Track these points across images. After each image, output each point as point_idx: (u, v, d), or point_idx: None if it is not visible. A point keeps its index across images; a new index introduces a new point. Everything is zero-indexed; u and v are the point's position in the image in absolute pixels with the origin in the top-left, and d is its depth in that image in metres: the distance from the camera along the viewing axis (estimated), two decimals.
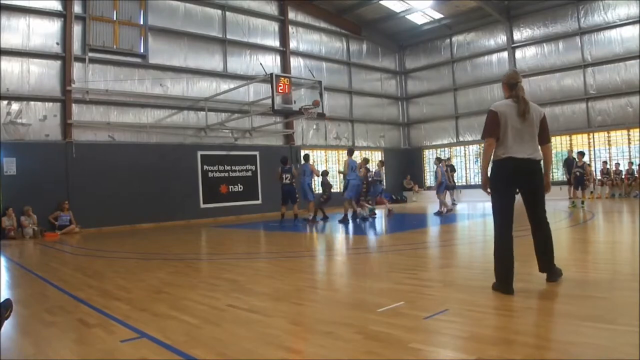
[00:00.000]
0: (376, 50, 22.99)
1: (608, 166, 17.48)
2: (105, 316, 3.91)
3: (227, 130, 17.23)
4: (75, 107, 13.93)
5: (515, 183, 4.18)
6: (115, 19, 14.75)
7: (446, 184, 14.50)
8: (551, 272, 4.27)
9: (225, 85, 17.03)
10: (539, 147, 4.22)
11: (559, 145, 19.34)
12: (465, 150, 21.98)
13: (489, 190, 4.24)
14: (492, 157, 4.17)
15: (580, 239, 8.03)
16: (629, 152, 17.43)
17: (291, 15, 19.42)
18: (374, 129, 22.77)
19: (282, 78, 14.32)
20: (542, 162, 4.21)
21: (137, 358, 2.89)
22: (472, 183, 21.68)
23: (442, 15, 21.18)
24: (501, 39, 20.43)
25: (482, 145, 4.32)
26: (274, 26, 19.02)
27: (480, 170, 4.43)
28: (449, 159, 15.42)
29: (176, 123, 16.07)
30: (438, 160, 15.23)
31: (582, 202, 13.39)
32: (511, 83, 4.21)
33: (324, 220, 13.32)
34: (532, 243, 4.34)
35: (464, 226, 10.71)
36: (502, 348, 2.72)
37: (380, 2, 19.77)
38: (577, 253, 6.59)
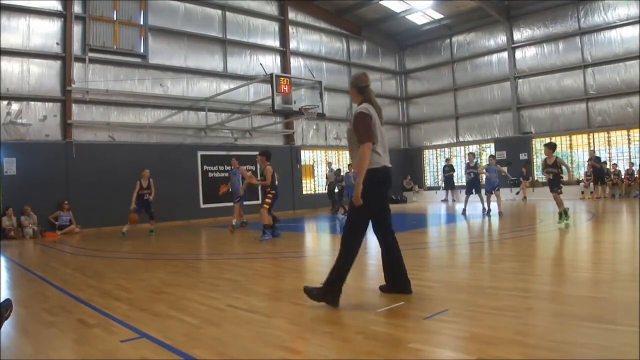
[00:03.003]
0: (376, 50, 22.99)
1: (608, 166, 17.48)
2: (105, 316, 3.91)
3: (227, 131, 17.24)
4: (75, 107, 13.94)
5: (384, 194, 3.97)
6: (115, 19, 14.76)
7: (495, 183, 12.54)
8: (408, 285, 4.05)
9: (225, 85, 17.03)
10: None
11: (559, 145, 19.35)
12: (465, 151, 21.94)
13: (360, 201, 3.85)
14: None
15: (580, 239, 8.03)
16: (629, 152, 17.44)
17: (291, 15, 19.42)
18: None
19: (283, 78, 14.32)
20: None
21: (137, 358, 2.89)
22: None
23: (442, 16, 21.19)
24: (501, 39, 20.44)
25: (363, 149, 3.78)
26: (274, 26, 19.03)
27: (358, 179, 3.78)
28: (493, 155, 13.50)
29: (176, 123, 16.07)
30: (492, 157, 13.26)
31: (563, 215, 9.02)
32: (361, 87, 3.96)
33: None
34: (387, 261, 4.08)
35: (464, 226, 10.71)
36: (502, 348, 2.72)
37: (380, 2, 19.78)
38: (577, 253, 6.59)
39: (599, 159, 17.03)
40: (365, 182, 3.78)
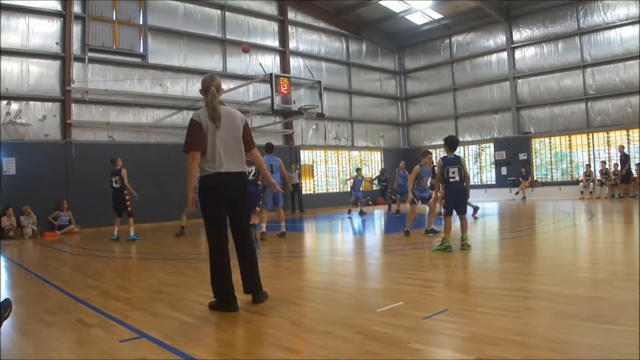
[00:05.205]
0: (376, 50, 22.99)
1: (607, 166, 17.48)
2: (104, 316, 3.91)
3: None
4: (74, 107, 13.92)
5: (223, 198, 3.92)
6: (114, 18, 14.74)
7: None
8: (259, 291, 4.14)
9: (224, 85, 16.83)
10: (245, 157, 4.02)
11: (559, 145, 19.38)
12: (465, 151, 21.97)
13: (196, 206, 4.04)
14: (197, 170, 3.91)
15: (579, 239, 8.04)
16: (628, 152, 17.42)
17: (291, 15, 19.42)
18: (374, 129, 22.77)
19: (282, 78, 14.34)
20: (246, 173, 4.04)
21: (137, 358, 2.89)
22: (472, 183, 21.69)
23: (441, 16, 21.19)
24: (500, 39, 20.44)
25: (187, 158, 3.85)
26: (274, 26, 19.02)
27: (188, 186, 3.90)
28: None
29: (176, 123, 16.05)
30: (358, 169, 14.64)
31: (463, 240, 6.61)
32: (205, 88, 3.95)
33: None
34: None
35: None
36: (502, 348, 2.72)
37: (380, 2, 19.78)
38: (576, 253, 6.60)
39: (627, 157, 16.68)
40: (199, 189, 3.95)
